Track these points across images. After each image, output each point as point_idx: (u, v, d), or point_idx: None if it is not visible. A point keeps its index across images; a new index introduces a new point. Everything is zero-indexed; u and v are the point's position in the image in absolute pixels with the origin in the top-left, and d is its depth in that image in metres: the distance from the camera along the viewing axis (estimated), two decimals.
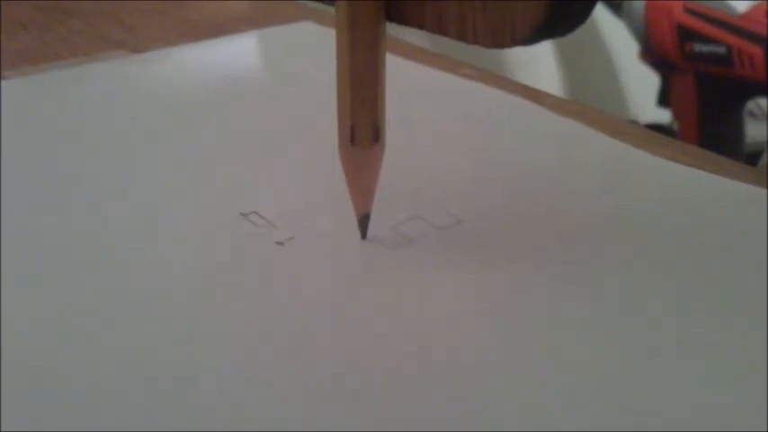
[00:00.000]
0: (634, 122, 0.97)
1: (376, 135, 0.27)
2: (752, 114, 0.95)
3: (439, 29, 0.25)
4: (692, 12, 0.87)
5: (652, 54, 0.93)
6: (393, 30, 0.27)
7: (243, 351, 0.24)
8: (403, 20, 0.26)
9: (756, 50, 0.83)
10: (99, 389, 0.22)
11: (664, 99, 0.94)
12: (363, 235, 0.28)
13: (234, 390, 0.22)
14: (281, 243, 0.28)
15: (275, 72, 0.46)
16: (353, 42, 0.26)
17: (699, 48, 0.87)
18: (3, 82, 0.42)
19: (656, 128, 0.94)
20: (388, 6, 0.26)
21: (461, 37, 0.25)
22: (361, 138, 0.27)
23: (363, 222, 0.28)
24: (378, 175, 0.28)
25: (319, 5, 0.33)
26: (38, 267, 0.27)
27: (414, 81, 0.42)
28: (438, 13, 0.25)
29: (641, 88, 1.02)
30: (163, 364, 0.23)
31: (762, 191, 0.31)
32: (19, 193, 0.32)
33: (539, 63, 1.05)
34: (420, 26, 0.26)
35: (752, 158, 0.90)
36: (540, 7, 0.23)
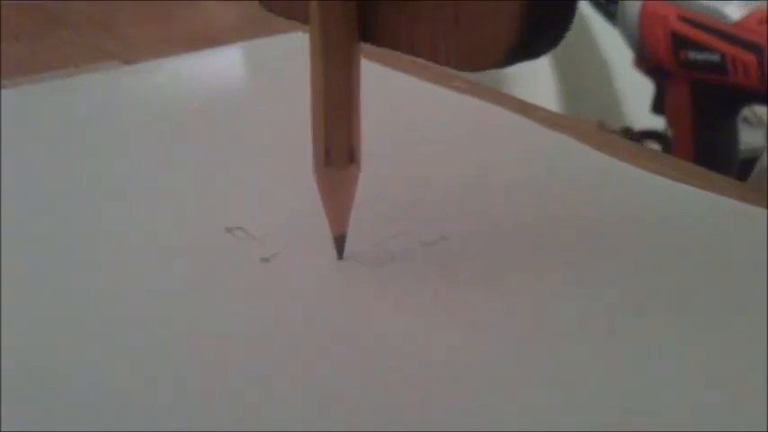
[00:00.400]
0: (628, 130, 0.97)
1: (351, 156, 0.27)
2: (747, 121, 0.95)
3: (411, 51, 0.25)
4: (686, 19, 0.87)
5: (646, 61, 0.92)
6: None
7: (228, 365, 0.24)
8: (376, 41, 0.26)
9: (750, 58, 0.83)
10: (99, 389, 0.22)
11: (658, 106, 0.94)
12: (340, 255, 0.28)
13: (221, 399, 0.22)
14: (266, 259, 0.28)
15: (265, 84, 0.46)
16: (327, 64, 0.26)
17: (693, 55, 0.87)
18: (2, 91, 0.42)
19: (651, 135, 0.95)
20: (362, 27, 0.26)
21: (434, 59, 0.24)
22: (337, 159, 0.27)
23: (340, 242, 0.28)
24: (353, 196, 0.28)
25: None
26: (33, 268, 0.28)
27: (404, 93, 0.42)
28: (410, 35, 0.25)
29: (636, 96, 1.02)
30: (157, 370, 0.23)
31: (749, 207, 0.31)
32: (15, 200, 0.32)
33: (534, 71, 1.05)
34: (393, 47, 0.25)
35: (747, 165, 0.90)
36: (512, 31, 0.22)
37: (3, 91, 0.42)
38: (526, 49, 0.23)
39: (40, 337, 0.24)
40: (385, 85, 0.43)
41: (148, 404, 0.22)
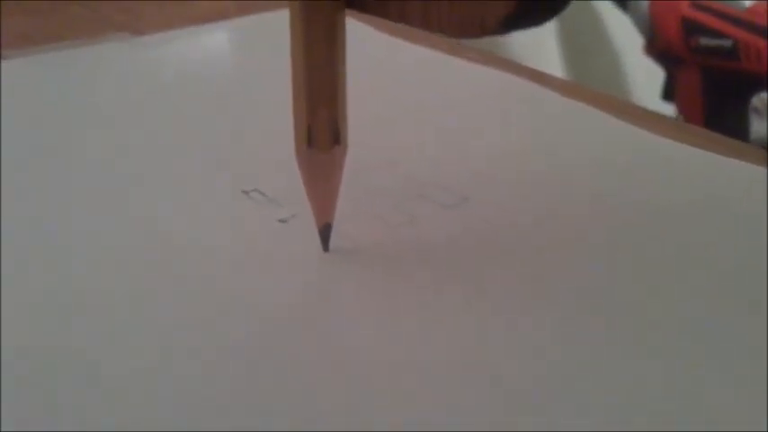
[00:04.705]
0: None
1: (336, 136, 0.25)
2: (756, 111, 0.95)
3: (401, 18, 0.23)
4: (697, 5, 0.87)
5: (657, 48, 0.92)
6: None
7: (247, 331, 0.23)
8: (363, 8, 0.24)
9: (762, 44, 0.82)
10: (99, 388, 0.22)
11: (669, 93, 0.93)
12: (325, 247, 0.26)
13: (239, 377, 0.22)
14: (283, 221, 0.28)
15: (276, 54, 0.45)
16: (308, 34, 0.24)
17: (704, 41, 0.86)
18: (2, 62, 0.42)
19: None
20: None
21: (426, 26, 0.23)
22: (319, 140, 0.25)
23: (325, 233, 0.26)
24: (339, 181, 0.26)
25: None
26: (38, 252, 0.27)
27: (418, 64, 0.42)
28: (401, 2, 0.23)
29: (646, 82, 1.01)
30: (165, 355, 0.23)
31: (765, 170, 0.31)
32: (17, 173, 0.31)
33: (542, 56, 1.04)
34: (382, 15, 0.24)
35: None
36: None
37: (3, 62, 0.41)
38: (526, 15, 0.22)
39: (40, 335, 0.23)
40: (397, 56, 0.43)
41: (148, 404, 0.21)
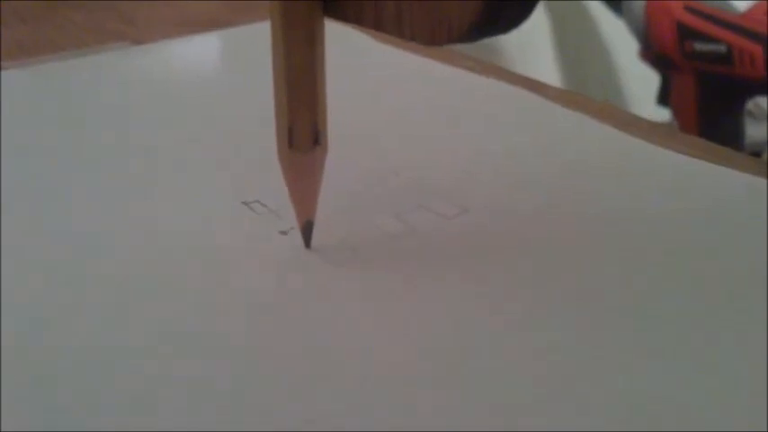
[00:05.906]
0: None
1: (316, 137, 0.26)
2: (751, 115, 0.95)
3: (376, 25, 0.24)
4: (692, 10, 0.87)
5: (652, 53, 0.92)
6: None
7: (247, 340, 0.23)
8: (341, 16, 0.25)
9: (757, 49, 0.82)
10: (99, 389, 0.22)
11: (663, 98, 0.94)
12: (307, 244, 0.27)
13: (239, 377, 0.22)
14: (284, 232, 0.28)
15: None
16: (288, 39, 0.24)
17: (699, 46, 0.87)
18: (2, 72, 0.42)
19: None
20: (326, 1, 0.25)
21: (399, 34, 0.24)
22: (300, 140, 0.26)
23: (306, 231, 0.27)
24: (320, 181, 0.27)
25: None
26: (37, 261, 0.27)
27: (416, 73, 0.42)
28: (375, 10, 0.24)
29: (641, 87, 1.01)
30: (164, 360, 0.23)
31: (764, 181, 0.31)
32: (18, 183, 0.31)
33: (537, 62, 1.04)
34: (358, 23, 0.25)
35: None
36: (477, 6, 0.22)
37: (3, 72, 0.41)
38: (491, 23, 0.22)
39: (40, 336, 0.23)
40: (397, 65, 0.43)
41: (148, 404, 0.21)
